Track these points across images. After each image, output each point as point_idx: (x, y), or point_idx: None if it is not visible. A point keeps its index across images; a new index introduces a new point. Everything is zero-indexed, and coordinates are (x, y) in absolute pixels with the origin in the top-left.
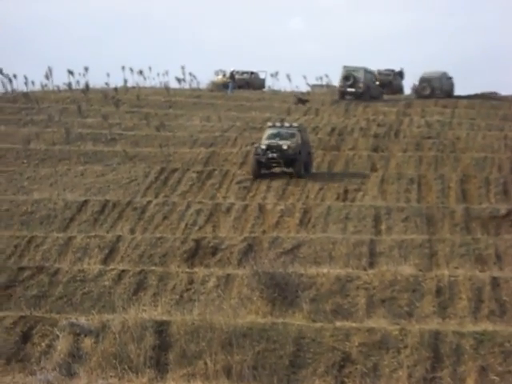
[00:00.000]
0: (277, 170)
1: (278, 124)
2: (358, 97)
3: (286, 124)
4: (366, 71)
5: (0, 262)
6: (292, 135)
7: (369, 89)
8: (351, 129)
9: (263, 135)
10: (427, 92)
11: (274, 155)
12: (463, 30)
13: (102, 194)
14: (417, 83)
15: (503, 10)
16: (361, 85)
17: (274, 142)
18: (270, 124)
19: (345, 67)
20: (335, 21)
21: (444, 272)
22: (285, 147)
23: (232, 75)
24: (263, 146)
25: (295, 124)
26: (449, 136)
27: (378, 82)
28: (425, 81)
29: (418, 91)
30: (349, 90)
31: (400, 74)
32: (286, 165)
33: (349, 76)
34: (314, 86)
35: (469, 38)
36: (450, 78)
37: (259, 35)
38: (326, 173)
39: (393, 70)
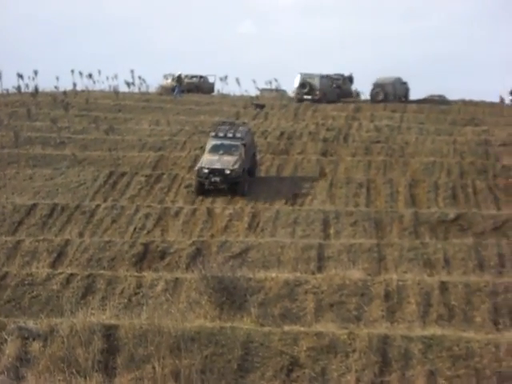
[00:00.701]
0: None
1: (220, 134)
2: (315, 102)
3: (230, 135)
4: (322, 77)
5: None
6: (235, 148)
7: (325, 95)
8: (300, 133)
9: (206, 145)
10: (381, 97)
11: (217, 179)
12: (414, 34)
13: (51, 197)
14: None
15: (450, 15)
16: (317, 92)
17: (216, 162)
18: (212, 134)
19: (301, 74)
20: (285, 25)
21: (392, 276)
22: (227, 172)
23: (179, 79)
24: (206, 170)
25: (238, 133)
26: (398, 140)
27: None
28: (378, 86)
29: (371, 96)
30: (305, 97)
31: (349, 79)
32: (230, 188)
33: (305, 83)
34: (263, 90)
35: (418, 44)
36: (405, 83)
37: (209, 39)
38: (274, 177)
39: (342, 75)
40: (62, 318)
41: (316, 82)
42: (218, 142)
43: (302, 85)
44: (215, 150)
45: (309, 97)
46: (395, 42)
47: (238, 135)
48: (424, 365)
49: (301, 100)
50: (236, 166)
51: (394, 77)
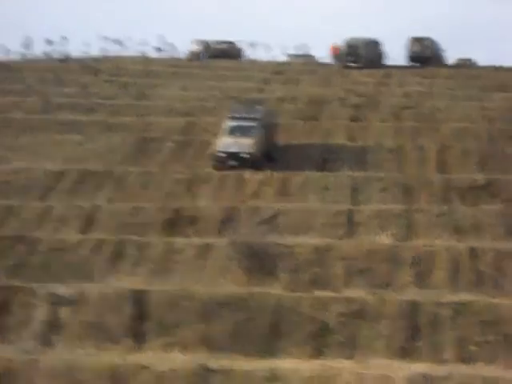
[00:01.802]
0: None
1: (237, 115)
2: (361, 68)
3: (246, 115)
4: (368, 43)
5: None
6: (253, 130)
7: (372, 61)
8: (330, 99)
9: (223, 127)
10: (351, 60)
11: (235, 163)
12: None
13: (81, 163)
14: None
15: None
16: (362, 58)
17: (233, 145)
18: (229, 115)
19: (346, 40)
20: None
21: (422, 242)
22: (245, 155)
23: (206, 44)
24: (222, 155)
25: (256, 114)
26: (427, 106)
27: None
28: (350, 47)
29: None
30: (351, 64)
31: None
32: (248, 168)
33: (350, 50)
34: (291, 56)
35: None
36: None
37: (238, 4)
38: (304, 143)
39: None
40: (93, 284)
41: (361, 48)
42: (235, 123)
43: (348, 51)
44: (232, 132)
45: (354, 64)
46: (424, 5)
47: (256, 116)
48: (453, 331)
49: (347, 67)
50: (253, 150)
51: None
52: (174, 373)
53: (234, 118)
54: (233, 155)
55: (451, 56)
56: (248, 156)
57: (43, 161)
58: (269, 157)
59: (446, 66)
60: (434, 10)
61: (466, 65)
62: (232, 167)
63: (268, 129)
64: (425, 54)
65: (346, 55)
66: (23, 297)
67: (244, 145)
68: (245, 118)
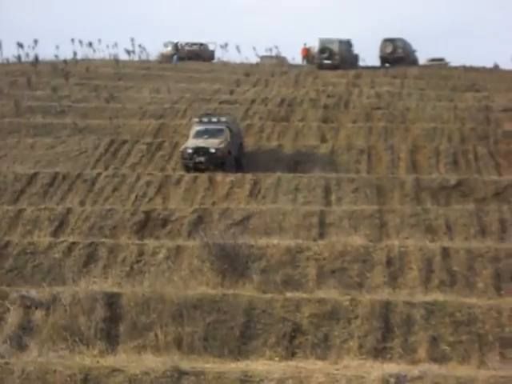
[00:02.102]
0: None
1: (205, 119)
2: (335, 67)
3: (214, 119)
4: (341, 42)
5: None
6: (220, 132)
7: (344, 59)
8: (301, 100)
9: (190, 131)
10: (325, 58)
11: (202, 159)
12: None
13: (52, 166)
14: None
15: None
16: (337, 57)
17: (201, 143)
18: (196, 119)
19: (320, 40)
20: None
21: (394, 242)
22: (212, 150)
23: (176, 47)
24: (190, 150)
25: (223, 118)
26: (399, 107)
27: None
28: (324, 46)
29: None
30: (325, 62)
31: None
32: (216, 167)
33: (325, 49)
34: (263, 58)
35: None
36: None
37: (209, 7)
38: (275, 144)
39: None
40: (65, 287)
41: (335, 47)
42: (202, 127)
43: (322, 50)
44: (199, 135)
45: (329, 62)
46: (394, 7)
47: (223, 119)
48: (426, 331)
49: (321, 65)
50: (221, 146)
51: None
52: (147, 375)
53: (201, 123)
54: (200, 150)
55: (423, 56)
56: (215, 151)
57: (14, 164)
58: (237, 162)
59: (418, 65)
60: (405, 10)
61: (438, 64)
62: (198, 163)
63: (235, 135)
64: (397, 55)
65: (320, 53)
66: None
67: (211, 142)
68: (212, 122)
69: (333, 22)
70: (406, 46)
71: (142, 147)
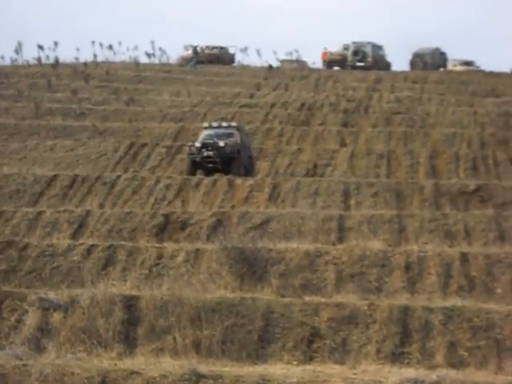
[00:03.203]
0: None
1: (214, 124)
2: (367, 69)
3: (224, 124)
4: (374, 46)
5: None
6: (230, 135)
7: (377, 62)
8: (321, 104)
9: (199, 137)
10: (419, 66)
11: (210, 153)
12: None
13: (72, 168)
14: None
15: None
16: (369, 59)
17: (209, 140)
18: (205, 125)
19: (354, 43)
20: None
21: (413, 247)
22: (221, 144)
23: (195, 50)
24: (198, 144)
25: (233, 123)
26: (418, 111)
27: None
28: (417, 56)
29: (411, 65)
30: (358, 64)
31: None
32: (223, 165)
33: (358, 51)
34: (283, 61)
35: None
36: (443, 53)
37: (230, 10)
38: (295, 148)
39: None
40: (83, 289)
41: (368, 50)
42: (212, 131)
43: (355, 52)
44: (209, 137)
45: (361, 64)
46: (414, 12)
47: (233, 124)
48: (444, 336)
49: (354, 67)
50: (231, 142)
51: (432, 47)
52: (165, 378)
53: (210, 128)
54: (208, 144)
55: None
56: (224, 145)
57: (34, 166)
58: (246, 171)
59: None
60: (424, 12)
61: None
62: (206, 158)
63: (245, 145)
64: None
65: (354, 56)
66: (14, 302)
67: (221, 140)
68: (222, 127)
69: (355, 26)
70: (433, 56)
71: (162, 150)
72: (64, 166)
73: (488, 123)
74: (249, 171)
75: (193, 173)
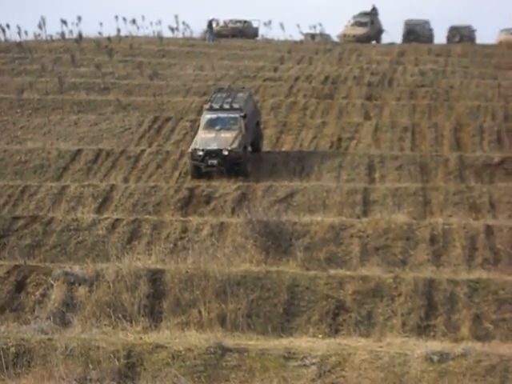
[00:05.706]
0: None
1: (216, 106)
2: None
3: (226, 105)
4: (425, 23)
5: None
6: (234, 122)
7: (428, 38)
8: (345, 77)
9: (201, 120)
10: (456, 39)
11: (214, 162)
12: None
13: (96, 143)
14: None
15: None
16: (420, 37)
17: (212, 143)
18: (206, 106)
19: (406, 21)
20: None
21: (438, 220)
22: (225, 153)
23: (210, 24)
24: (200, 153)
25: (236, 104)
26: (442, 84)
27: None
28: (454, 29)
29: (448, 38)
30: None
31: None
32: (229, 170)
33: (411, 30)
34: (307, 35)
35: None
36: (474, 30)
37: None
38: (319, 121)
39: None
40: (108, 263)
41: (420, 29)
42: (214, 115)
43: (409, 32)
44: (211, 125)
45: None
46: None
47: (236, 106)
48: (469, 308)
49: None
50: (235, 145)
51: (466, 24)
52: (190, 352)
53: (212, 110)
54: (212, 152)
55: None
56: (228, 153)
57: (58, 141)
58: (254, 146)
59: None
60: None
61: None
62: (211, 166)
63: (250, 117)
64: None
65: (407, 34)
66: (39, 276)
67: (224, 140)
68: (224, 109)
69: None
70: (469, 31)
71: (186, 124)
72: (88, 140)
73: None
74: (257, 143)
75: (198, 177)
